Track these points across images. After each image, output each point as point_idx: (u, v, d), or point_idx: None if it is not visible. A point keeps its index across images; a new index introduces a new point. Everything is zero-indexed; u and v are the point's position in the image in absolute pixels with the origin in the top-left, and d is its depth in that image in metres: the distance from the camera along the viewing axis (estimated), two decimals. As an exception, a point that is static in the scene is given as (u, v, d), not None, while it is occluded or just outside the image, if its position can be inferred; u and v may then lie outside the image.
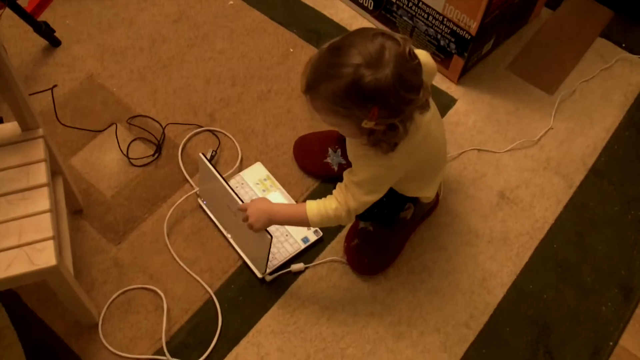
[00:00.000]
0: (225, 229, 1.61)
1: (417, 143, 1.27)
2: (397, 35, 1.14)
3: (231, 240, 1.59)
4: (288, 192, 1.68)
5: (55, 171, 1.43)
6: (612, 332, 1.55)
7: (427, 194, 1.49)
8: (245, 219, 1.40)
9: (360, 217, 1.48)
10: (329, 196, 1.35)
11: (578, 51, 2.06)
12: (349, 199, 1.30)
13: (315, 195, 1.69)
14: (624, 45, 2.08)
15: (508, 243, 1.66)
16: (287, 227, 1.62)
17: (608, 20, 2.15)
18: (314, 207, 1.34)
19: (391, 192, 1.41)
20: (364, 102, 1.12)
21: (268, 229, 1.41)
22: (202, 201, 1.65)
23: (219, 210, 1.61)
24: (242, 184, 1.69)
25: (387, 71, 1.10)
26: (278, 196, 1.67)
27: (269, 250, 1.44)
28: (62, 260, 1.25)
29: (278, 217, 1.40)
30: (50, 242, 1.21)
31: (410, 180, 1.40)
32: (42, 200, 1.25)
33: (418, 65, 1.15)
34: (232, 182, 1.69)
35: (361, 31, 1.15)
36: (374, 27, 1.15)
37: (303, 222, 1.37)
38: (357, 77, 1.09)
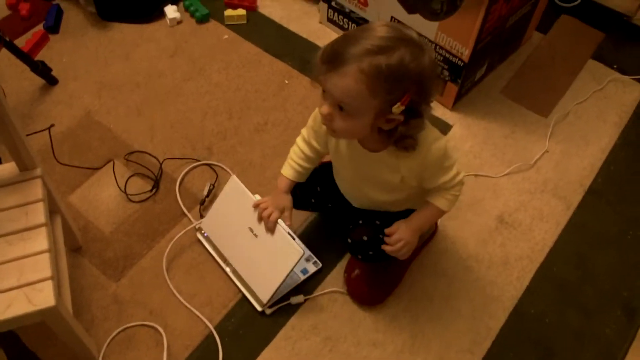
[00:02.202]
0: (233, 257, 1.60)
1: None
2: None
3: (230, 274, 1.59)
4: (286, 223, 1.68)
5: (53, 210, 1.43)
6: (616, 353, 1.54)
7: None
8: (398, 246, 1.37)
9: (368, 258, 1.48)
10: (439, 193, 1.35)
11: (571, 73, 2.08)
12: (458, 179, 1.33)
13: (315, 225, 1.70)
14: (615, 66, 2.10)
15: (508, 267, 1.66)
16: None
17: (599, 42, 2.17)
18: (445, 205, 1.36)
19: None
20: (404, 82, 1.10)
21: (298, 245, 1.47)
22: (203, 233, 1.65)
23: (229, 238, 1.60)
24: (241, 216, 1.69)
25: (427, 56, 1.11)
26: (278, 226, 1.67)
27: (293, 268, 1.46)
28: (61, 300, 1.24)
29: (424, 229, 1.43)
30: (49, 282, 1.21)
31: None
32: (40, 240, 1.26)
33: None
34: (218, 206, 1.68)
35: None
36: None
37: (440, 216, 1.43)
38: (407, 55, 1.08)
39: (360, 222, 1.46)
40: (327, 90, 1.14)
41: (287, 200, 1.48)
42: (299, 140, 1.48)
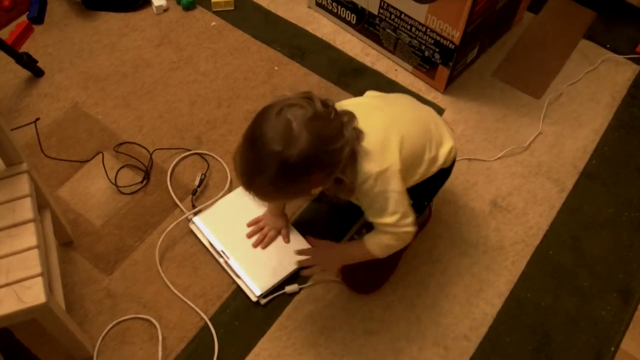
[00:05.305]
0: (231, 247, 1.59)
1: (386, 130, 1.28)
2: (298, 98, 1.15)
3: (224, 265, 1.58)
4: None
5: (42, 204, 1.41)
6: (613, 336, 1.54)
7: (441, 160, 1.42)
8: (312, 262, 1.48)
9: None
10: (375, 232, 1.35)
11: (563, 54, 2.06)
12: (401, 230, 1.31)
13: (308, 213, 1.68)
14: (608, 45, 2.08)
15: (503, 252, 1.65)
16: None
17: (591, 21, 2.15)
18: (374, 248, 1.35)
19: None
20: (302, 176, 1.15)
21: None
22: (196, 224, 1.63)
23: (230, 231, 1.61)
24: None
25: (303, 140, 1.10)
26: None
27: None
28: (51, 297, 1.23)
29: (347, 261, 1.50)
30: (39, 279, 1.19)
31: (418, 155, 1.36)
32: (28, 237, 1.23)
33: (330, 111, 1.16)
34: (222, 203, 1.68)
35: (266, 112, 1.15)
36: (279, 98, 1.13)
37: (367, 258, 1.40)
38: (283, 161, 1.11)
39: None
40: None
41: (284, 220, 1.60)
42: None
